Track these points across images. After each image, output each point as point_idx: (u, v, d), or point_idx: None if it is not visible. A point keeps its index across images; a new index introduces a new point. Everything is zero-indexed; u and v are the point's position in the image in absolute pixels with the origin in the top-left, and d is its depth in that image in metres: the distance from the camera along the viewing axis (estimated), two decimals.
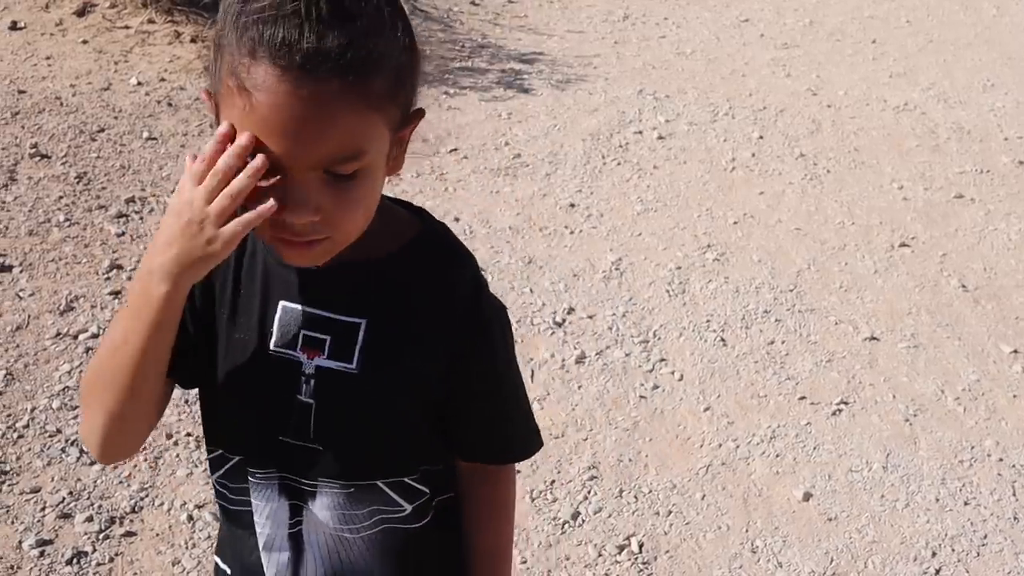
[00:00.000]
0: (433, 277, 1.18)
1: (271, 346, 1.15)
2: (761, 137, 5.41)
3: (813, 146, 5.36)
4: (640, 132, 5.35)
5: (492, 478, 1.31)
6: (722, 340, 3.64)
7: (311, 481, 1.19)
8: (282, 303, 1.15)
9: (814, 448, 3.16)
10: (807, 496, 2.96)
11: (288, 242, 1.03)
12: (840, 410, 3.33)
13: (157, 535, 2.62)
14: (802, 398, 3.37)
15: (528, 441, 1.31)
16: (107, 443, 1.13)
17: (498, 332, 1.24)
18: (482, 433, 1.27)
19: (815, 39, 7.21)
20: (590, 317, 3.70)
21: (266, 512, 1.22)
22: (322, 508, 1.20)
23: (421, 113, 1.10)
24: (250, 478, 1.21)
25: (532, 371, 3.37)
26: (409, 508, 1.23)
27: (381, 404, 1.17)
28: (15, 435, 2.87)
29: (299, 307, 1.15)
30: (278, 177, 0.98)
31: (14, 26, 5.48)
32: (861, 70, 6.60)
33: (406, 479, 1.22)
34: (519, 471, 2.90)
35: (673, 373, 3.44)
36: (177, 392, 2.95)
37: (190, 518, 2.68)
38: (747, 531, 2.83)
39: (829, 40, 7.20)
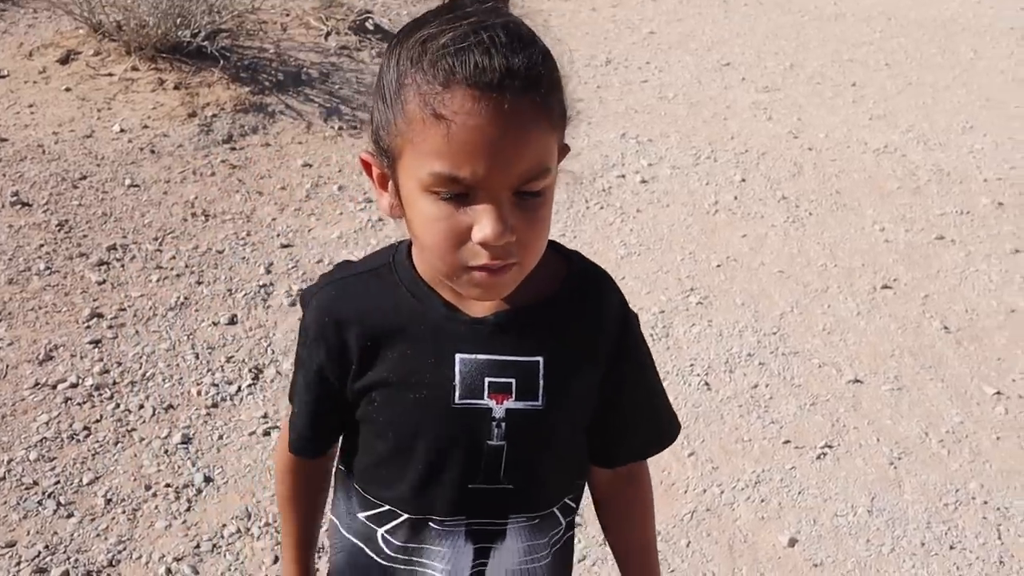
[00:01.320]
0: (591, 306, 1.25)
1: (456, 399, 1.19)
2: (743, 180, 5.44)
3: (795, 189, 5.39)
4: (623, 176, 5.38)
5: (637, 477, 1.39)
6: (706, 384, 3.63)
7: (501, 520, 1.25)
8: (459, 356, 1.19)
9: (799, 493, 3.15)
10: (792, 542, 2.94)
11: (486, 271, 1.06)
12: (824, 454, 3.32)
13: None
14: (786, 442, 3.36)
15: (674, 422, 1.38)
16: None
17: (639, 338, 1.31)
18: (642, 430, 1.34)
19: (796, 82, 7.28)
20: None
21: (447, 558, 1.26)
22: (512, 544, 1.26)
23: (568, 148, 1.17)
24: (437, 527, 1.25)
25: None
26: (564, 523, 1.33)
27: (564, 433, 1.26)
28: None
29: (478, 356, 1.19)
30: (479, 205, 1.03)
31: None
32: (842, 113, 6.66)
33: (567, 499, 1.32)
34: None
35: None
36: (156, 443, 2.92)
37: (168, 571, 2.64)
38: None
39: (810, 83, 7.27)
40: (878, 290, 4.40)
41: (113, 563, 2.65)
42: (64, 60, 5.61)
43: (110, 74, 5.53)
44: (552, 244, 1.26)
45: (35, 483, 2.87)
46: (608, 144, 5.80)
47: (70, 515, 2.78)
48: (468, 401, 1.19)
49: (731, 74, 7.39)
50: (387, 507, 1.27)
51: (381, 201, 1.16)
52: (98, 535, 2.73)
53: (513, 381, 1.19)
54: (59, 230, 4.16)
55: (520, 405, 1.19)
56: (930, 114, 6.74)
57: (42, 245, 4.04)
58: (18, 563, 2.61)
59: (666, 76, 7.21)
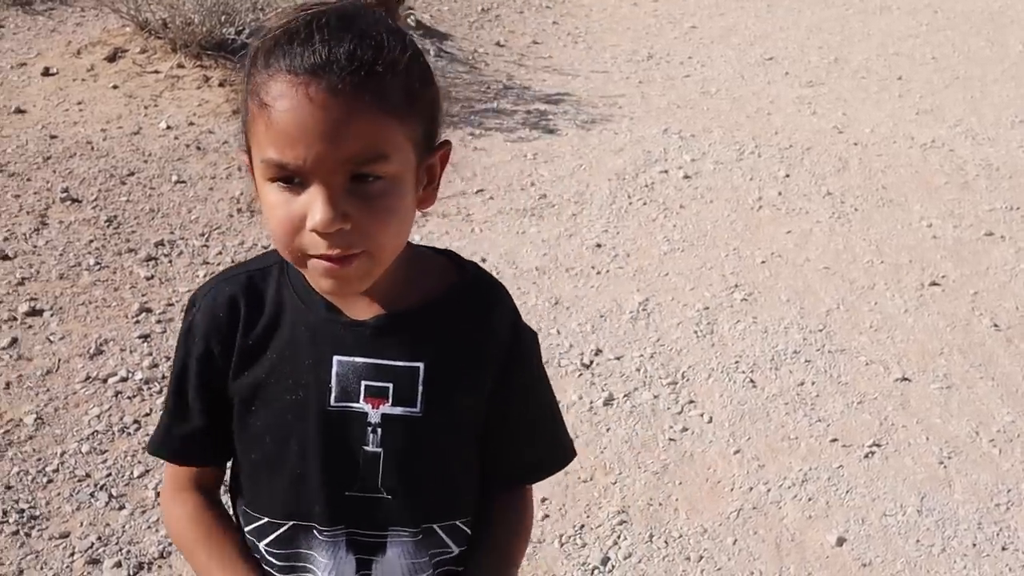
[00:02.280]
0: (478, 316, 1.22)
1: (331, 402, 1.17)
2: (788, 175, 5.40)
3: (840, 184, 5.34)
4: (666, 171, 5.36)
5: (520, 502, 1.34)
6: (751, 381, 3.61)
7: (381, 532, 1.21)
8: (336, 357, 1.17)
9: (847, 492, 3.12)
10: (841, 541, 2.91)
11: (326, 261, 1.05)
12: (872, 452, 3.29)
13: None
14: (834, 440, 3.33)
15: (565, 449, 1.35)
16: None
17: (532, 356, 1.28)
18: (524, 454, 1.30)
19: (840, 76, 7.20)
20: (618, 358, 3.68)
21: (330, 569, 1.22)
22: (393, 558, 1.22)
23: (448, 145, 1.16)
24: (317, 536, 1.21)
25: None
26: (456, 550, 1.26)
27: (445, 444, 1.21)
28: (45, 479, 2.88)
29: (356, 359, 1.17)
30: (305, 185, 1.03)
31: (46, 72, 5.57)
32: (887, 107, 6.58)
33: (458, 522, 1.26)
34: (548, 515, 2.88)
35: (702, 415, 3.41)
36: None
37: None
38: None
39: (854, 77, 7.20)
40: (926, 287, 4.35)
41: (164, 555, 2.68)
42: (111, 58, 5.68)
43: (156, 71, 5.60)
44: (449, 254, 1.27)
45: (88, 475, 2.91)
46: (650, 139, 5.77)
47: (122, 507, 2.82)
48: (344, 404, 1.17)
49: (774, 69, 7.33)
50: (265, 519, 1.22)
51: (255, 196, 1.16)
52: (149, 527, 2.76)
53: (390, 386, 1.17)
54: (108, 226, 4.21)
55: (397, 411, 1.17)
56: (978, 108, 6.65)
57: (92, 241, 4.09)
58: (71, 554, 2.65)
59: (708, 71, 7.16)
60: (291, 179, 1.03)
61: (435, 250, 1.28)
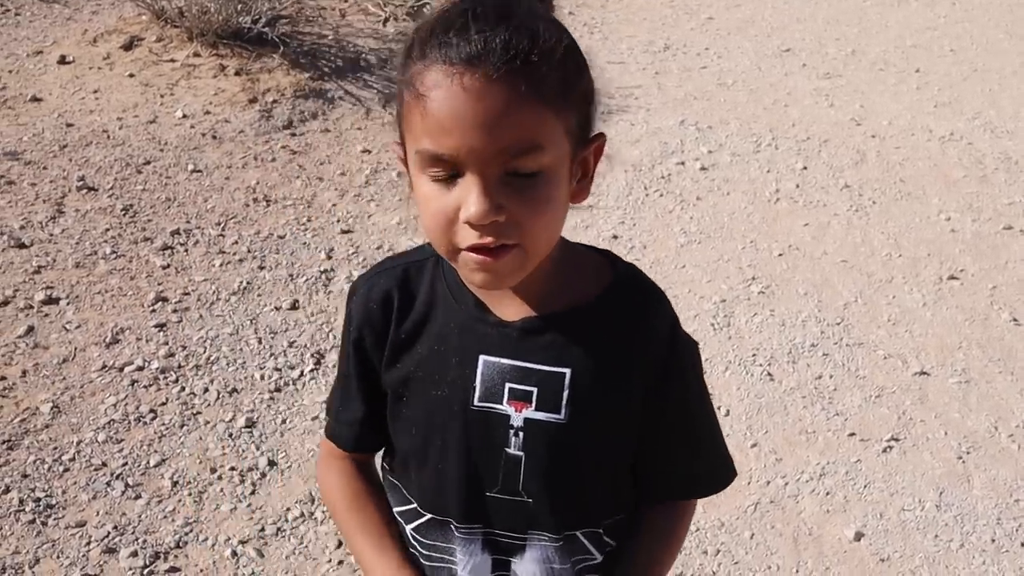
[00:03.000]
0: (632, 322, 1.19)
1: (475, 401, 1.17)
2: (805, 168, 5.37)
3: (858, 177, 5.30)
4: (683, 163, 5.33)
5: (674, 515, 1.31)
6: (769, 375, 3.59)
7: (520, 535, 1.21)
8: (483, 357, 1.17)
9: (865, 486, 3.10)
10: (859, 536, 2.90)
11: (479, 253, 1.04)
12: (891, 447, 3.26)
13: (201, 571, 2.61)
14: (851, 434, 3.31)
15: (725, 468, 1.30)
16: None
17: (690, 368, 1.25)
18: (687, 466, 1.27)
19: (858, 69, 7.15)
20: None
21: (468, 567, 1.23)
22: (531, 562, 1.22)
23: (603, 137, 1.14)
24: (454, 532, 1.22)
25: None
26: (599, 557, 1.25)
27: (589, 452, 1.19)
28: (61, 468, 2.88)
29: (502, 360, 1.16)
30: (460, 176, 1.02)
31: (63, 60, 5.57)
32: (905, 100, 6.54)
33: (600, 531, 1.24)
34: None
35: (719, 408, 3.39)
36: (220, 426, 2.94)
37: (234, 554, 2.67)
38: (797, 571, 2.77)
39: (872, 70, 7.15)
40: (944, 280, 4.31)
41: (180, 544, 2.68)
42: (127, 46, 5.68)
43: (172, 60, 5.59)
44: (606, 253, 1.25)
45: (104, 464, 2.91)
46: (667, 131, 5.74)
47: (138, 496, 2.82)
48: (487, 404, 1.16)
49: (792, 60, 7.28)
50: (413, 505, 1.26)
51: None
52: (165, 517, 2.77)
53: (535, 390, 1.15)
54: (124, 214, 4.21)
55: (540, 416, 1.15)
56: (997, 101, 6.59)
57: (108, 229, 4.09)
58: (88, 543, 2.65)
59: (725, 62, 7.12)
60: (446, 171, 1.02)
61: (592, 248, 1.25)
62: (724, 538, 2.87)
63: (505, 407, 1.16)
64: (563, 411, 1.15)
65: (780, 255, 4.44)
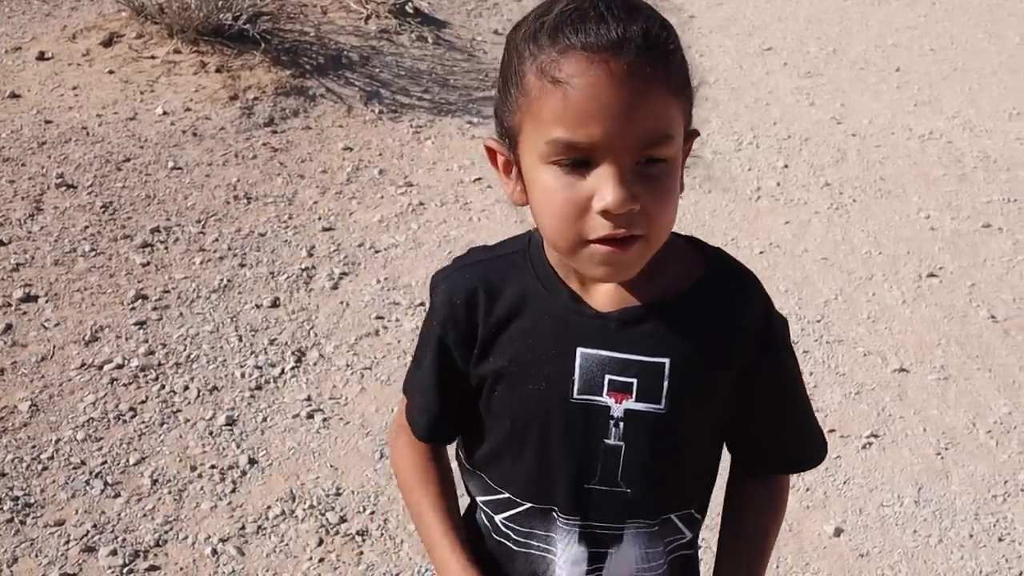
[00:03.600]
0: (728, 308, 1.19)
1: (574, 394, 1.16)
2: (786, 166, 5.39)
3: (839, 175, 5.32)
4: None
5: (776, 490, 1.33)
6: None
7: (618, 525, 1.21)
8: (580, 350, 1.16)
9: (844, 482, 3.11)
10: (838, 531, 2.91)
11: (608, 243, 1.03)
12: (870, 443, 3.28)
13: (181, 569, 2.60)
14: (831, 431, 3.32)
15: (822, 445, 1.32)
16: None
17: (787, 344, 1.26)
18: (784, 441, 1.28)
19: (839, 67, 7.19)
20: None
21: (565, 557, 1.23)
22: (629, 549, 1.22)
23: (697, 133, 1.15)
24: (556, 520, 1.22)
25: None
26: (690, 535, 1.28)
27: (688, 440, 1.20)
28: (39, 467, 2.87)
29: (600, 352, 1.15)
30: (599, 171, 1.01)
31: (41, 56, 5.54)
32: (886, 99, 6.57)
33: (692, 511, 1.26)
34: None
35: None
36: (201, 424, 2.92)
37: (214, 552, 2.66)
38: (777, 567, 2.78)
39: (853, 68, 7.18)
40: (924, 278, 4.34)
41: (160, 543, 2.67)
42: (107, 43, 5.65)
43: (152, 57, 5.56)
44: (692, 240, 1.25)
45: (83, 463, 2.89)
46: None
47: (117, 495, 2.80)
48: (586, 397, 1.16)
49: (773, 59, 7.31)
50: (507, 494, 1.25)
51: (507, 188, 1.15)
52: (145, 515, 2.75)
53: (635, 381, 1.15)
54: (104, 212, 4.19)
55: (640, 407, 1.15)
56: (976, 100, 6.63)
57: (87, 227, 4.07)
58: (67, 541, 2.64)
59: (707, 61, 7.14)
60: (577, 161, 1.02)
61: (676, 235, 1.23)
62: (704, 533, 2.86)
63: (605, 398, 1.16)
64: (663, 401, 1.15)
65: (761, 252, 4.46)
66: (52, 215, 4.12)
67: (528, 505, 1.23)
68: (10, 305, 3.53)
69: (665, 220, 1.06)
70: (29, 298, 3.57)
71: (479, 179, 4.95)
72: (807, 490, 3.06)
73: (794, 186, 5.17)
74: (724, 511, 1.35)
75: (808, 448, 1.31)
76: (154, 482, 2.86)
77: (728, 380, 1.19)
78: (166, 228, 4.15)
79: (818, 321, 3.96)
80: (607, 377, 1.15)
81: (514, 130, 1.08)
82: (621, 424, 1.16)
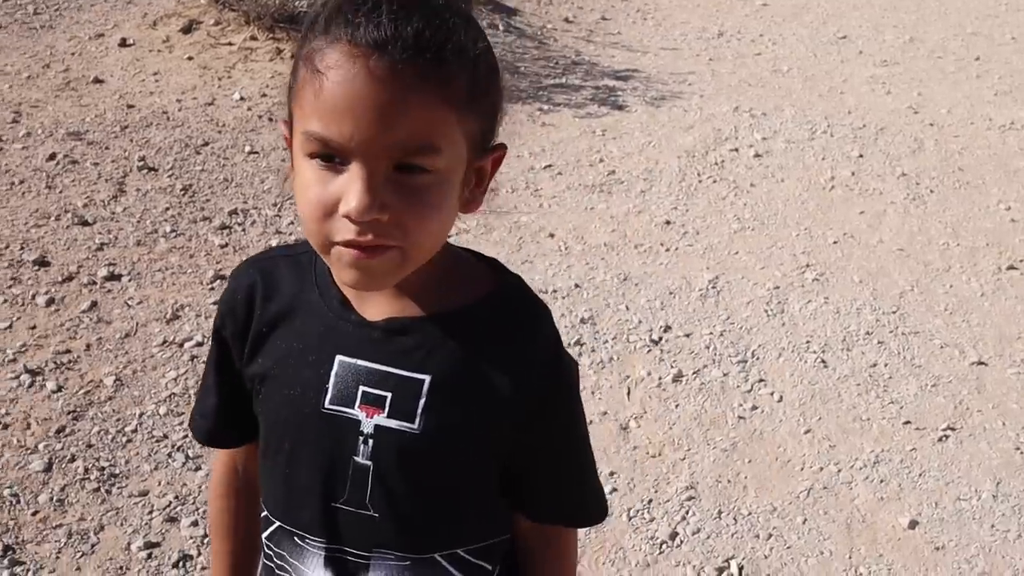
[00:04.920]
0: (509, 334, 1.10)
1: (325, 403, 1.09)
2: (861, 156, 5.31)
3: (915, 165, 5.24)
4: (736, 149, 5.30)
5: (556, 541, 1.24)
6: (822, 362, 3.57)
7: (364, 553, 1.12)
8: (339, 357, 1.09)
9: (920, 475, 3.08)
10: (913, 524, 2.88)
11: (354, 247, 0.96)
12: (947, 436, 3.24)
13: None
14: (907, 423, 3.28)
15: (602, 503, 1.23)
16: None
17: (574, 390, 1.17)
18: (560, 493, 1.19)
19: (916, 56, 7.06)
20: (687, 335, 3.66)
21: None
22: None
23: (503, 148, 1.07)
24: (299, 544, 1.14)
25: (628, 389, 3.35)
26: None
27: (444, 467, 1.10)
28: (124, 439, 2.95)
29: (358, 361, 1.08)
30: (346, 166, 0.95)
31: (123, 43, 5.67)
32: (964, 88, 6.44)
33: (463, 552, 1.15)
34: (616, 489, 2.88)
35: (772, 394, 3.38)
36: None
37: None
38: (850, 557, 2.76)
39: (930, 57, 7.05)
40: (1003, 271, 4.26)
41: None
42: (186, 30, 5.76)
43: (230, 43, 5.66)
44: (492, 262, 1.17)
45: (165, 436, 2.97)
46: (721, 117, 5.71)
47: (198, 468, 2.87)
48: (338, 408, 1.08)
49: (848, 47, 7.20)
50: (265, 512, 1.18)
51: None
52: None
53: (389, 395, 1.07)
54: (183, 194, 4.28)
55: (392, 424, 1.07)
56: None
57: (168, 208, 4.16)
58: (150, 511, 2.71)
59: (780, 49, 7.06)
60: (332, 157, 0.95)
61: (477, 256, 1.17)
62: (776, 522, 2.86)
63: (356, 412, 1.07)
64: (417, 420, 1.06)
65: (835, 243, 4.41)
66: (134, 197, 4.22)
67: (277, 524, 1.16)
68: (95, 283, 3.62)
69: (424, 234, 0.98)
70: (113, 277, 3.67)
71: (549, 166, 4.96)
72: (881, 482, 3.03)
73: (869, 176, 5.10)
74: (517, 566, 1.25)
75: (588, 505, 1.21)
76: None
77: (499, 412, 1.09)
78: (243, 211, 4.23)
79: (893, 312, 3.91)
80: (361, 388, 1.08)
81: (290, 116, 1.02)
82: (371, 441, 1.07)
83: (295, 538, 1.14)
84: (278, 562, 1.18)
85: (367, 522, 1.10)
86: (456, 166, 0.99)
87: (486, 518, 1.17)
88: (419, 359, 1.07)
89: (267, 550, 1.20)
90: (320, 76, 0.93)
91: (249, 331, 1.14)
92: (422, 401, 1.06)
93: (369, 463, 1.08)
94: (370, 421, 1.07)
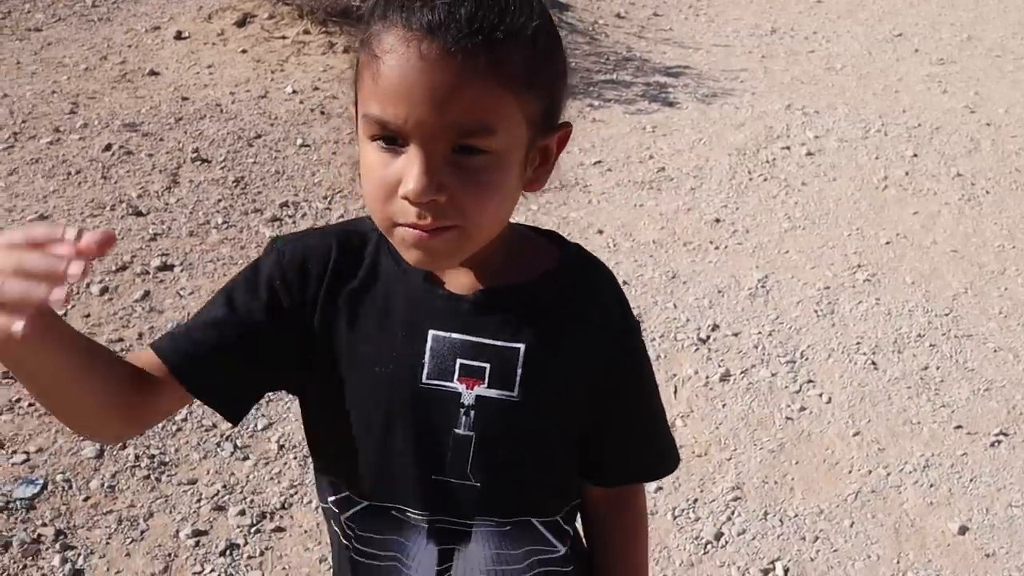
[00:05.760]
0: (582, 299, 1.15)
1: (423, 379, 1.09)
2: (915, 155, 5.23)
3: (971, 165, 5.15)
4: (788, 148, 5.25)
5: (631, 501, 1.28)
6: (873, 363, 3.53)
7: (467, 521, 1.14)
8: (432, 332, 1.09)
9: (971, 480, 3.03)
10: (963, 530, 2.83)
11: (413, 230, 0.97)
12: (999, 441, 3.18)
13: (305, 532, 2.69)
14: (958, 427, 3.23)
15: (674, 453, 1.26)
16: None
17: (642, 347, 1.21)
18: (640, 448, 1.22)
19: (973, 55, 6.94)
20: (735, 335, 3.63)
21: (412, 555, 1.15)
22: (477, 549, 1.15)
23: (569, 127, 1.08)
24: (399, 518, 1.14)
25: (675, 387, 3.33)
26: (563, 549, 1.19)
27: (541, 432, 1.13)
28: (174, 428, 2.99)
29: (453, 335, 1.09)
30: (405, 147, 0.96)
31: (179, 36, 5.74)
32: (1023, 87, 6.32)
33: (559, 518, 1.18)
34: (662, 487, 2.87)
35: (821, 395, 3.34)
36: None
37: None
38: (898, 562, 2.73)
39: (988, 56, 6.92)
40: None
41: (285, 506, 2.76)
42: (240, 23, 5.82)
43: (283, 37, 5.71)
44: (551, 234, 1.19)
45: (214, 426, 3.01)
46: (772, 115, 5.66)
47: (246, 458, 2.91)
48: (436, 382, 1.09)
49: (903, 45, 7.10)
50: (346, 492, 1.16)
51: None
52: (271, 478, 2.85)
53: (487, 366, 1.08)
54: (235, 186, 4.33)
55: (492, 393, 1.09)
56: None
57: (220, 200, 4.21)
58: (199, 499, 2.75)
59: (834, 46, 6.98)
60: (392, 139, 0.96)
61: (536, 230, 1.20)
62: (823, 525, 2.83)
63: (455, 384, 1.09)
64: (516, 389, 1.09)
65: (887, 243, 4.35)
66: (187, 188, 4.27)
67: (366, 503, 1.15)
68: (148, 273, 3.68)
69: (483, 214, 0.99)
70: (166, 267, 3.72)
71: (599, 162, 4.94)
72: (931, 486, 2.99)
73: (923, 176, 5.02)
74: (591, 542, 1.28)
75: (664, 455, 1.25)
76: (280, 447, 2.96)
77: (585, 375, 1.13)
78: (294, 203, 4.27)
79: (946, 315, 3.85)
80: (459, 361, 1.08)
81: (356, 100, 1.03)
82: (472, 412, 1.09)
83: (392, 512, 1.14)
84: (362, 544, 1.16)
85: (469, 491, 1.12)
86: (515, 146, 0.99)
87: (572, 482, 1.21)
88: (511, 329, 1.09)
89: (347, 531, 1.17)
90: (377, 60, 0.95)
91: (318, 300, 1.10)
92: (520, 370, 1.09)
93: (471, 433, 1.10)
94: (471, 392, 1.09)
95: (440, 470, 1.11)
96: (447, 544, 1.14)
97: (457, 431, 1.09)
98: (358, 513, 1.15)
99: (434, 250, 0.99)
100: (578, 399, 1.14)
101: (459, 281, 1.10)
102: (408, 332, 1.09)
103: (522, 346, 1.09)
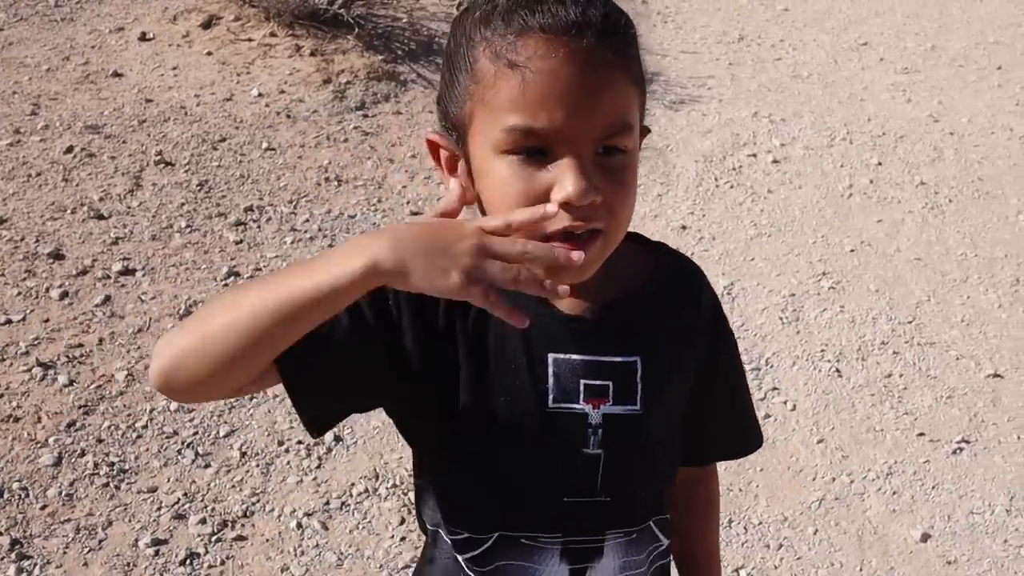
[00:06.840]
0: (685, 302, 1.18)
1: (549, 403, 1.08)
2: (880, 163, 5.28)
3: (934, 174, 5.20)
4: (754, 155, 5.27)
5: (708, 479, 1.34)
6: (837, 371, 3.54)
7: (598, 537, 1.14)
8: (551, 355, 1.08)
9: (933, 487, 3.05)
10: (925, 537, 2.85)
11: (569, 239, 0.96)
12: (961, 449, 3.21)
13: (267, 541, 2.66)
14: (921, 434, 3.26)
15: (759, 430, 1.31)
16: (177, 367, 0.97)
17: (732, 332, 1.26)
18: (732, 428, 1.28)
19: (937, 64, 7.01)
20: None
21: None
22: (609, 562, 1.15)
23: (648, 130, 1.10)
24: (528, 545, 1.12)
25: None
26: (666, 542, 1.22)
27: (662, 439, 1.16)
28: (134, 435, 2.95)
29: (573, 357, 1.08)
30: (559, 161, 0.95)
31: (143, 37, 5.67)
32: (986, 97, 6.39)
33: (667, 516, 1.21)
34: None
35: (785, 403, 3.36)
36: (288, 400, 2.94)
37: (299, 526, 2.71)
38: (861, 570, 2.74)
39: (952, 66, 6.99)
40: (1021, 282, 4.22)
41: (247, 514, 2.73)
42: (206, 25, 5.76)
43: (249, 39, 5.66)
44: (636, 235, 1.18)
45: (175, 432, 2.97)
46: (739, 122, 5.68)
47: (207, 465, 2.87)
48: (562, 405, 1.08)
49: (869, 54, 7.15)
50: (466, 534, 1.13)
51: (450, 186, 1.04)
52: (233, 486, 2.82)
53: (610, 384, 1.09)
54: (199, 189, 4.28)
55: (618, 410, 1.09)
56: None
57: (183, 204, 4.16)
58: (159, 508, 2.71)
59: (800, 55, 7.02)
60: (534, 150, 0.95)
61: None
62: (787, 533, 2.84)
63: (581, 405, 1.08)
64: (639, 401, 1.10)
65: (852, 251, 4.38)
66: (150, 191, 4.22)
67: (495, 536, 1.12)
68: (109, 277, 3.63)
69: (625, 214, 1.01)
70: (127, 271, 3.67)
71: None
72: (894, 493, 3.01)
73: (888, 184, 5.06)
74: (685, 509, 1.30)
75: (755, 432, 1.31)
76: (243, 454, 2.92)
77: (690, 372, 1.18)
78: (259, 207, 4.23)
79: (909, 322, 3.88)
80: (582, 382, 1.08)
81: (463, 121, 1.00)
82: (600, 431, 1.09)
83: (523, 540, 1.12)
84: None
85: (600, 508, 1.12)
86: (637, 145, 1.02)
87: (674, 475, 1.24)
88: (626, 344, 1.11)
89: (469, 571, 1.14)
90: (520, 69, 0.94)
91: (434, 333, 1.06)
92: (639, 383, 1.10)
93: (599, 451, 1.10)
94: (597, 412, 1.09)
95: (570, 491, 1.11)
96: (580, 563, 1.14)
97: (586, 451, 1.09)
98: (488, 549, 1.13)
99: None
100: (687, 394, 1.19)
101: (567, 302, 1.09)
102: (528, 358, 1.08)
103: (638, 359, 1.11)
